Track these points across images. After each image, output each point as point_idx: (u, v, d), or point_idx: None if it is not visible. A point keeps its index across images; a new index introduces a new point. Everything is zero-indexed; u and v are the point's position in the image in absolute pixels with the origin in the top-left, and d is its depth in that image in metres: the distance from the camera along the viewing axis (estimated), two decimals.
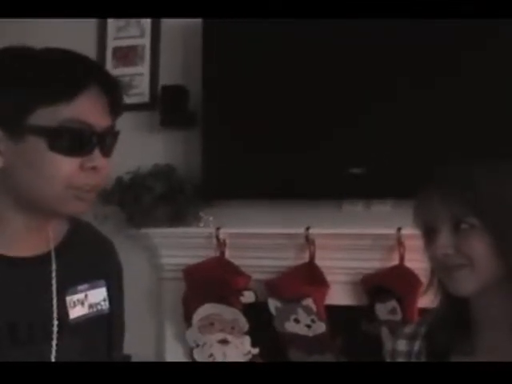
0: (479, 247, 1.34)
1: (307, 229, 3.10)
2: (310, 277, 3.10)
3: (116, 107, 1.30)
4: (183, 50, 3.47)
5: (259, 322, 3.21)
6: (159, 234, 3.35)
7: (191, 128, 3.37)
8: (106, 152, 1.29)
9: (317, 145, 3.14)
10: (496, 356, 1.36)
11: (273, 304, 3.16)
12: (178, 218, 3.32)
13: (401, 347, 1.50)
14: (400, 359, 1.49)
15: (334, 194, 3.13)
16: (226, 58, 3.28)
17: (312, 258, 3.11)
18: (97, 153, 1.26)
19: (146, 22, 3.54)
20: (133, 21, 3.56)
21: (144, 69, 3.55)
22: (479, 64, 2.92)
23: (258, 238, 3.21)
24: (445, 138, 2.94)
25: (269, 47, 3.21)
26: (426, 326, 1.49)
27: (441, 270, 1.40)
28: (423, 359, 1.46)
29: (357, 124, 3.09)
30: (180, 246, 3.33)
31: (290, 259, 3.17)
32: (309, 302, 3.09)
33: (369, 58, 3.07)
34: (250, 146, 3.23)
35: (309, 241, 3.10)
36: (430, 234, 1.39)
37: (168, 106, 3.40)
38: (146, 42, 3.55)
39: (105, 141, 1.28)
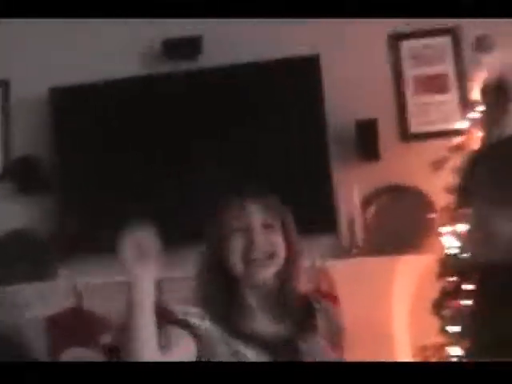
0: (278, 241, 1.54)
1: None
2: None
3: None
4: (33, 120, 3.66)
5: None
6: None
7: (45, 193, 3.57)
8: None
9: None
10: (267, 336, 1.49)
11: None
12: None
13: None
14: None
15: None
16: (74, 123, 3.55)
17: None
18: None
19: None
20: None
21: None
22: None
23: None
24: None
25: (113, 107, 3.53)
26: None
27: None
28: None
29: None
30: None
31: None
32: None
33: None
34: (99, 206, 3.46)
35: None
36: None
37: (22, 175, 3.59)
38: None
39: None
